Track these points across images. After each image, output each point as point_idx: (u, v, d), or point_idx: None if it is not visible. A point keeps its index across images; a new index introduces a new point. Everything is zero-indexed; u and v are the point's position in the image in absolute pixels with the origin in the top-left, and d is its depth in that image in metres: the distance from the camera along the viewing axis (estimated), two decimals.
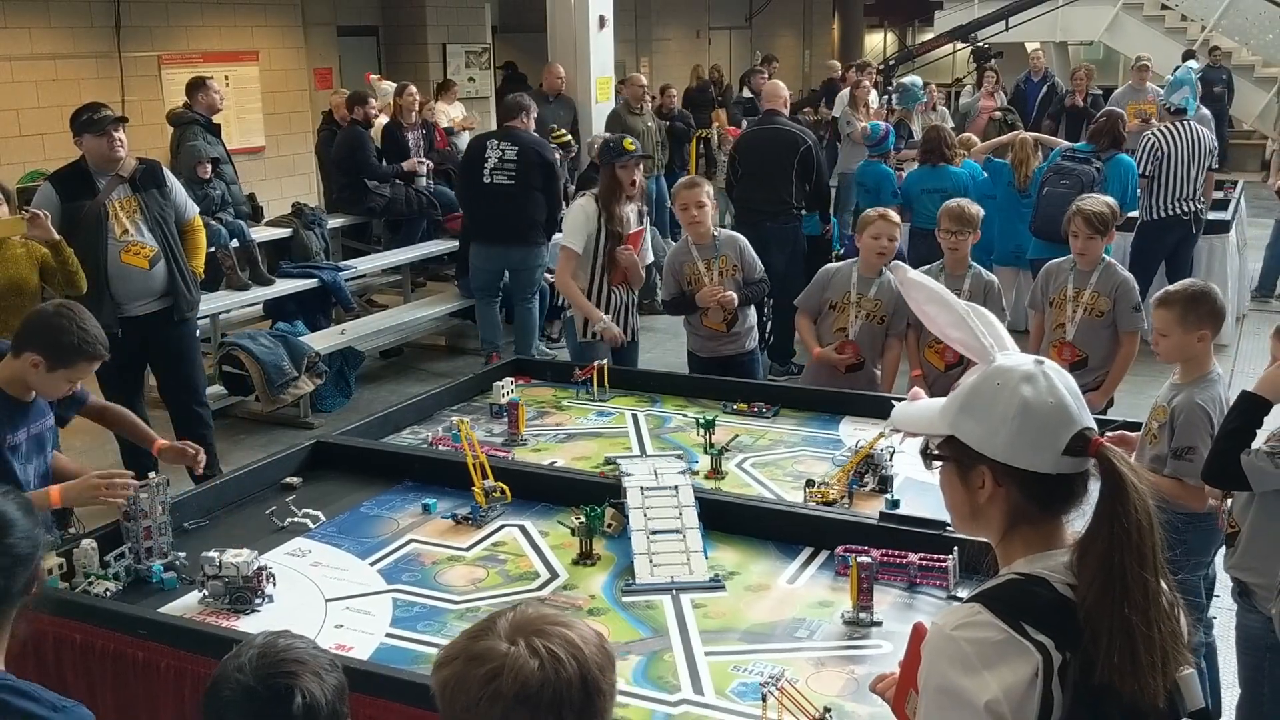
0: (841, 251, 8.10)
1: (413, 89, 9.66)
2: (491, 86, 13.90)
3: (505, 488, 3.47)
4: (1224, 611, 3.64)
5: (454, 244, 9.01)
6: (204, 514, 3.44)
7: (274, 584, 2.93)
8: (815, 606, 2.87)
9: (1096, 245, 4.80)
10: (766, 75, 12.23)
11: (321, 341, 7.36)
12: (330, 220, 9.20)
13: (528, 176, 7.40)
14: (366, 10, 13.11)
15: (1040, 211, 7.06)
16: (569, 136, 9.60)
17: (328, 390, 7.29)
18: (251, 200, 8.87)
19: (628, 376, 4.79)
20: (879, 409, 4.05)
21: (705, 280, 5.14)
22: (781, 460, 3.87)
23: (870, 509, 3.33)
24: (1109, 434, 3.44)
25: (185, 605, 2.91)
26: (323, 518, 3.42)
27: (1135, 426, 3.64)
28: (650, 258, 5.71)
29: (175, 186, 5.54)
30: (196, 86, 8.18)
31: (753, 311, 5.41)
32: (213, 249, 7.10)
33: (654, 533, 3.12)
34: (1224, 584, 3.35)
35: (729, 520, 3.28)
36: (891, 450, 3.57)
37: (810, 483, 3.47)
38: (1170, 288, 3.62)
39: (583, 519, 3.14)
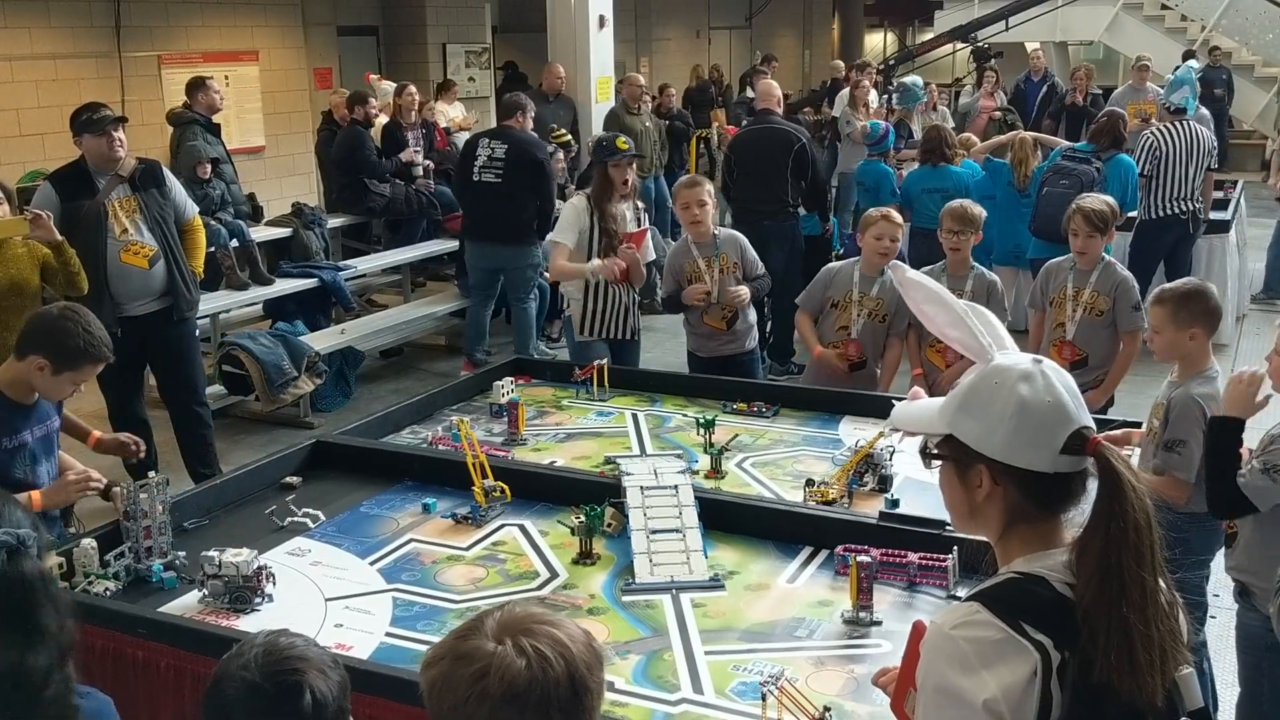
0: (841, 251, 8.10)
1: (412, 89, 9.66)
2: (491, 86, 13.90)
3: (505, 487, 3.47)
4: (1224, 611, 3.65)
5: (454, 244, 9.01)
6: (204, 513, 3.44)
7: (274, 583, 2.93)
8: (815, 606, 2.87)
9: (1096, 244, 4.81)
10: (768, 75, 12.23)
11: (321, 341, 7.37)
12: (330, 220, 9.20)
13: (516, 175, 7.38)
14: (366, 10, 13.11)
15: (1040, 211, 7.06)
16: (569, 136, 9.60)
17: (328, 390, 7.29)
18: (251, 200, 8.87)
19: (628, 376, 4.80)
20: (879, 409, 4.05)
21: (705, 279, 5.14)
22: (781, 460, 3.87)
23: (870, 508, 3.33)
24: (1108, 432, 3.44)
25: (185, 605, 2.91)
26: (322, 517, 3.42)
27: (1135, 426, 3.64)
28: (651, 255, 5.72)
29: (175, 186, 5.54)
30: (196, 86, 8.18)
31: (753, 311, 5.42)
32: (212, 249, 7.10)
33: (654, 532, 3.12)
34: (1225, 584, 3.35)
35: (729, 520, 3.28)
36: (891, 450, 3.57)
37: (810, 482, 3.47)
38: (1165, 285, 3.63)
39: (582, 518, 3.14)
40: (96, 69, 9.86)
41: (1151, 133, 7.97)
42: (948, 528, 2.93)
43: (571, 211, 5.37)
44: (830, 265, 5.22)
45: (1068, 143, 8.23)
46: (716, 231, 5.27)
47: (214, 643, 2.53)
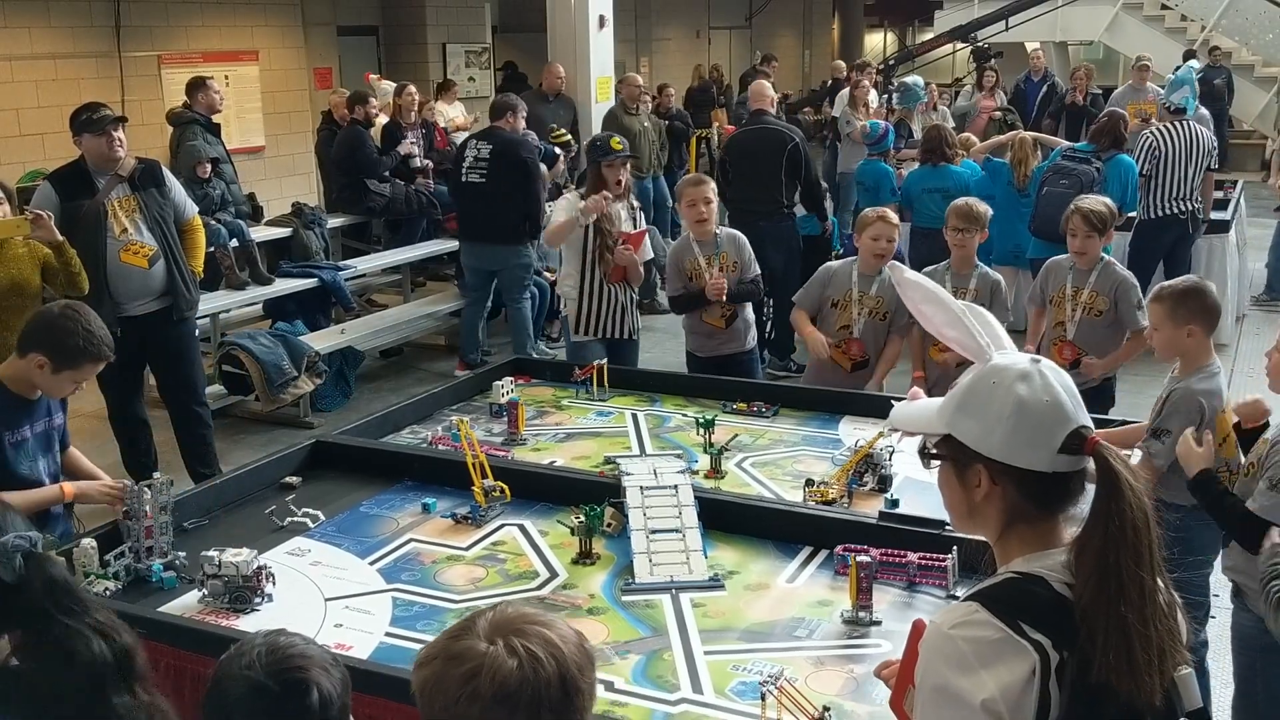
0: (841, 251, 8.10)
1: (412, 89, 9.66)
2: (491, 86, 13.91)
3: (505, 487, 3.47)
4: (1224, 611, 3.65)
5: (454, 244, 8.99)
6: (204, 513, 3.44)
7: (273, 583, 2.93)
8: (814, 606, 2.88)
9: (1094, 244, 4.81)
10: (769, 75, 12.23)
11: (321, 341, 7.37)
12: (330, 220, 9.20)
13: (501, 175, 7.37)
14: (366, 10, 13.11)
15: (1039, 211, 7.06)
16: (569, 136, 9.60)
17: (327, 390, 7.29)
18: (251, 200, 8.87)
19: (627, 376, 4.80)
20: (879, 408, 4.05)
21: (706, 276, 5.14)
22: (781, 460, 3.87)
23: (869, 508, 3.33)
24: (1106, 430, 3.45)
25: (185, 604, 2.91)
26: (322, 517, 3.42)
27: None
28: (650, 254, 5.73)
29: (174, 186, 5.54)
30: (196, 86, 8.17)
31: (751, 310, 5.42)
32: (212, 249, 7.10)
33: (653, 532, 3.12)
34: (1224, 584, 3.36)
35: (728, 519, 3.28)
36: (891, 450, 3.57)
37: (810, 482, 3.47)
38: (1164, 283, 3.65)
39: (582, 518, 3.14)
40: (96, 69, 9.87)
41: (1151, 132, 7.97)
42: (947, 528, 2.93)
43: (565, 206, 5.44)
44: (828, 264, 5.21)
45: (1068, 143, 8.22)
46: (718, 230, 5.28)
47: (214, 643, 2.52)
